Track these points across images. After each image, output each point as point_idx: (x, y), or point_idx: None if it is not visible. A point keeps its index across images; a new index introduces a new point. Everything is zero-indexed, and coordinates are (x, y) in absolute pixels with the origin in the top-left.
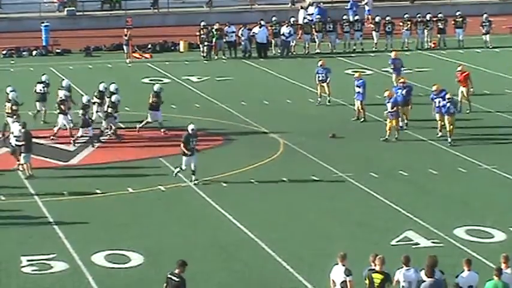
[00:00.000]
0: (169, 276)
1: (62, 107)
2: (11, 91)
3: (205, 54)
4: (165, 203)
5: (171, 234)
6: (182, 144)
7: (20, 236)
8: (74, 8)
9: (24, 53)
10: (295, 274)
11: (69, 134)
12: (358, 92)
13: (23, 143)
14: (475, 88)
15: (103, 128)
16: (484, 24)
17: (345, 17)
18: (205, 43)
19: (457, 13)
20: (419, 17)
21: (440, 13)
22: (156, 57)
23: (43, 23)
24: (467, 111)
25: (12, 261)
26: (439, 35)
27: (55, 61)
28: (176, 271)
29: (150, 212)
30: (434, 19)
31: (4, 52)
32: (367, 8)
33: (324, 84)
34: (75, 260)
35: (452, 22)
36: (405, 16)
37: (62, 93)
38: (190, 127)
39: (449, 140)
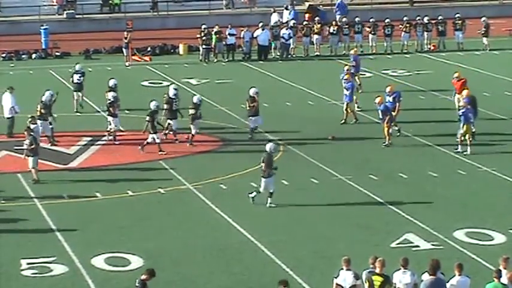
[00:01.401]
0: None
1: (111, 109)
2: (51, 94)
3: (201, 58)
4: (164, 206)
5: (170, 237)
6: (263, 165)
7: (19, 239)
8: (73, 11)
9: (23, 56)
10: (295, 277)
11: (113, 135)
12: (346, 95)
13: (31, 146)
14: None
15: (193, 132)
16: (482, 26)
17: (343, 20)
18: (203, 46)
19: (457, 15)
20: (419, 19)
21: (440, 15)
22: (156, 60)
23: (42, 25)
24: None
25: (12, 264)
26: (438, 38)
27: (54, 64)
28: (143, 277)
29: (149, 215)
30: (434, 21)
31: (3, 55)
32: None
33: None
34: (75, 263)
35: (452, 24)
36: (404, 18)
37: (110, 95)
38: (270, 146)
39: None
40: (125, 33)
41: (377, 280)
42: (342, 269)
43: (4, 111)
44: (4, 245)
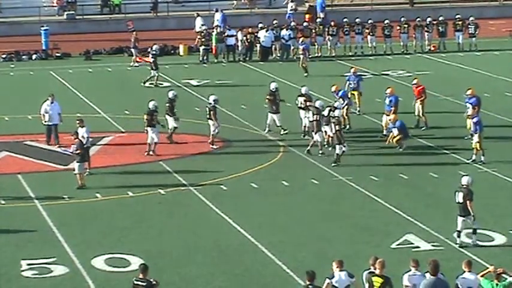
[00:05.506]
0: (135, 282)
1: (212, 112)
2: (174, 94)
3: (201, 58)
4: (165, 207)
5: (171, 237)
6: (469, 202)
7: (20, 240)
8: (73, 12)
9: (24, 57)
10: (295, 278)
11: (211, 140)
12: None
13: (77, 152)
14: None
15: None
16: (469, 26)
17: (345, 20)
18: (202, 47)
19: (457, 16)
20: (418, 20)
21: (441, 16)
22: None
23: (43, 26)
24: (423, 128)
25: (13, 265)
26: (439, 38)
27: (55, 65)
28: (140, 276)
29: (150, 216)
30: (435, 22)
31: (4, 56)
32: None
33: (355, 93)
34: (75, 263)
35: (452, 25)
36: (402, 19)
37: (211, 99)
38: (467, 180)
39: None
40: (133, 33)
41: (377, 281)
42: (335, 270)
43: (45, 117)
44: (4, 246)
